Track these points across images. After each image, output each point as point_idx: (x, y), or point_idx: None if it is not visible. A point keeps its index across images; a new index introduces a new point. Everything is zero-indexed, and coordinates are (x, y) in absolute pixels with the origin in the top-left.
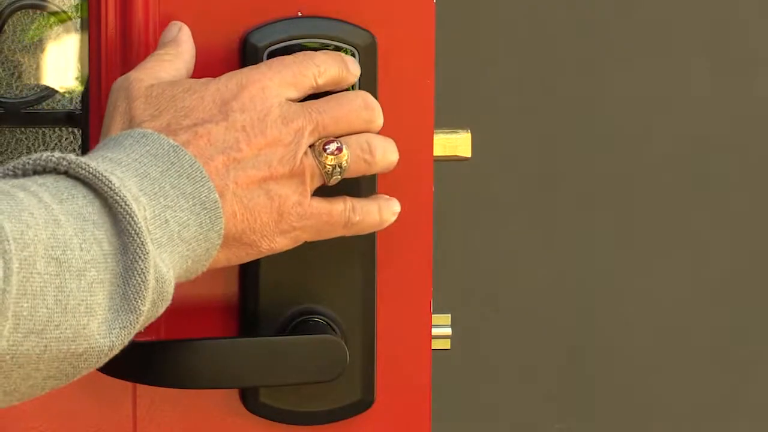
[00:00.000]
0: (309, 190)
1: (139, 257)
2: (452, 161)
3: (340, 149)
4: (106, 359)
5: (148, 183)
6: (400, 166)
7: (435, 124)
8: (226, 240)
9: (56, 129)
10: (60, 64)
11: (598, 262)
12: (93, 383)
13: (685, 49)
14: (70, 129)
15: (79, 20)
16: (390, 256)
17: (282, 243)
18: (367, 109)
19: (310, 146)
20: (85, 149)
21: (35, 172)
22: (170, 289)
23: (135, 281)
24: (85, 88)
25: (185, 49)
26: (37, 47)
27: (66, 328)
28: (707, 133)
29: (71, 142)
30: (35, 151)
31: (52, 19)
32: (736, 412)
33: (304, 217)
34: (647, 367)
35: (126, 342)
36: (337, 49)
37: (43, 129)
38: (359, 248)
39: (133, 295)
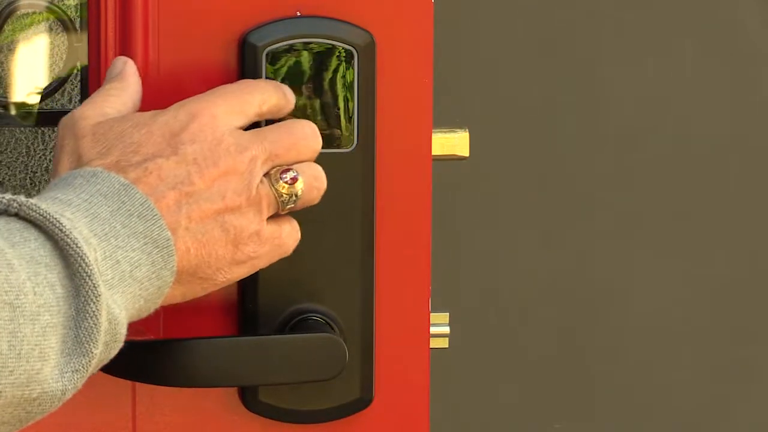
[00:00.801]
0: (264, 218)
1: (91, 299)
2: (451, 160)
3: (295, 179)
4: (59, 404)
5: (98, 224)
6: (399, 165)
7: (433, 124)
8: (180, 276)
9: (56, 129)
10: (59, 64)
11: (598, 262)
12: (93, 383)
13: (685, 50)
14: None
15: (79, 20)
16: (388, 254)
17: (238, 273)
18: (314, 137)
19: (264, 174)
20: None
21: None
22: (123, 330)
23: (87, 324)
24: (84, 88)
25: (131, 82)
26: (36, 47)
27: (20, 374)
28: (707, 133)
29: None
30: (35, 151)
31: (53, 18)
32: (736, 412)
33: (260, 245)
34: (647, 367)
35: (79, 385)
36: (335, 48)
37: (43, 129)
38: (358, 247)
39: (86, 338)
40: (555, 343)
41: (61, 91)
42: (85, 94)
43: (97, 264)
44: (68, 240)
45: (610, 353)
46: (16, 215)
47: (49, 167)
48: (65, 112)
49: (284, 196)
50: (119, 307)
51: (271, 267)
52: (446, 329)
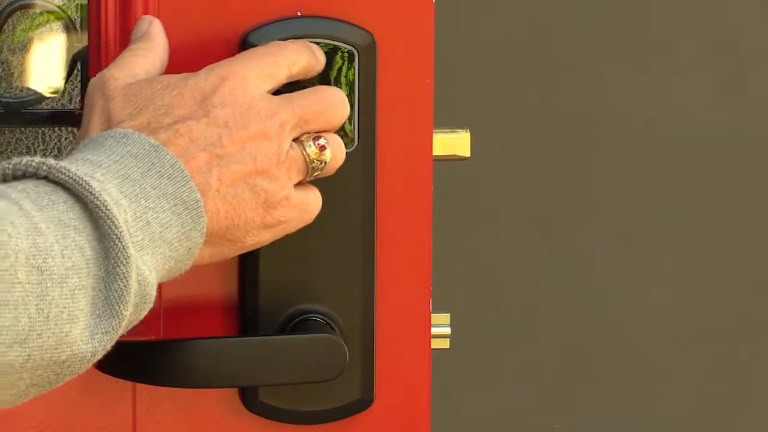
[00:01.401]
0: (293, 183)
1: (121, 261)
2: (451, 161)
3: (325, 147)
4: (89, 365)
5: (128, 185)
6: (400, 165)
7: (434, 124)
8: (210, 237)
9: (56, 129)
10: (60, 64)
11: (598, 262)
12: (93, 383)
13: (686, 50)
14: (70, 129)
15: (79, 20)
16: (389, 255)
17: (266, 237)
18: (343, 105)
19: (293, 140)
20: None
21: (15, 177)
22: (153, 292)
23: (117, 286)
24: (85, 88)
25: (158, 42)
26: (37, 47)
27: (48, 337)
28: (707, 133)
29: (71, 141)
30: (35, 151)
31: (53, 18)
32: (736, 412)
33: (289, 210)
34: (647, 367)
35: (108, 347)
36: (336, 48)
37: (43, 129)
38: (359, 247)
39: (116, 299)
40: (555, 343)
41: (61, 91)
42: (85, 94)
43: (127, 225)
44: (97, 202)
45: (611, 353)
46: (45, 178)
47: None
48: (65, 112)
49: (315, 162)
50: (149, 268)
51: (272, 267)
52: (447, 330)
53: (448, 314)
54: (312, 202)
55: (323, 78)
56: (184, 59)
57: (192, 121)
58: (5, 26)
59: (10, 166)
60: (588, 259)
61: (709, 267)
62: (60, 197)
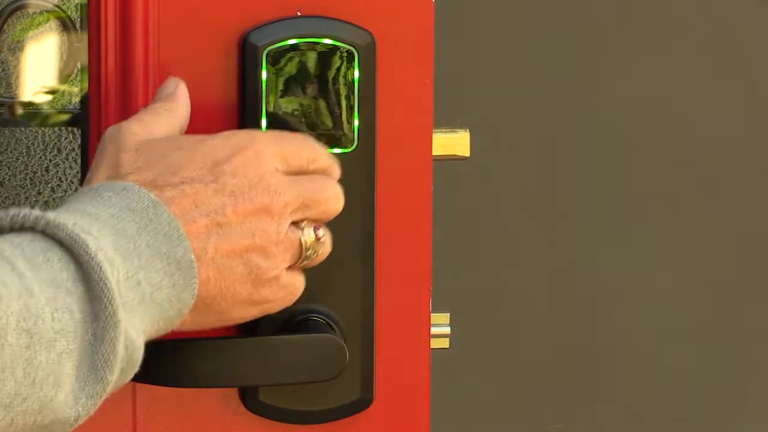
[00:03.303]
0: (286, 265)
1: (110, 326)
2: (451, 161)
3: (320, 238)
4: (71, 429)
5: (123, 241)
6: (400, 165)
7: (434, 124)
8: (196, 304)
9: (56, 129)
10: (59, 64)
11: (598, 262)
12: None
13: (685, 49)
14: (70, 129)
15: (79, 20)
16: (389, 255)
17: (251, 313)
18: (340, 200)
19: (292, 223)
20: (84, 149)
21: (12, 228)
22: (139, 356)
23: (104, 350)
24: (85, 88)
25: (181, 104)
26: (36, 47)
27: (33, 401)
28: (707, 134)
29: (71, 141)
30: (35, 151)
31: (52, 18)
32: (736, 412)
33: (277, 290)
34: (647, 367)
35: (92, 411)
36: (336, 48)
37: (43, 129)
38: (358, 247)
39: (102, 364)
40: (555, 343)
41: (61, 91)
42: (85, 94)
43: (119, 286)
44: (92, 263)
45: (610, 353)
46: (42, 232)
47: (49, 167)
48: (65, 112)
49: (309, 249)
50: (137, 331)
51: None
52: (447, 329)
53: (448, 314)
54: (298, 286)
55: (322, 78)
56: (184, 59)
57: (200, 185)
58: (5, 26)
59: (8, 218)
60: (588, 259)
61: (709, 267)
62: (55, 255)
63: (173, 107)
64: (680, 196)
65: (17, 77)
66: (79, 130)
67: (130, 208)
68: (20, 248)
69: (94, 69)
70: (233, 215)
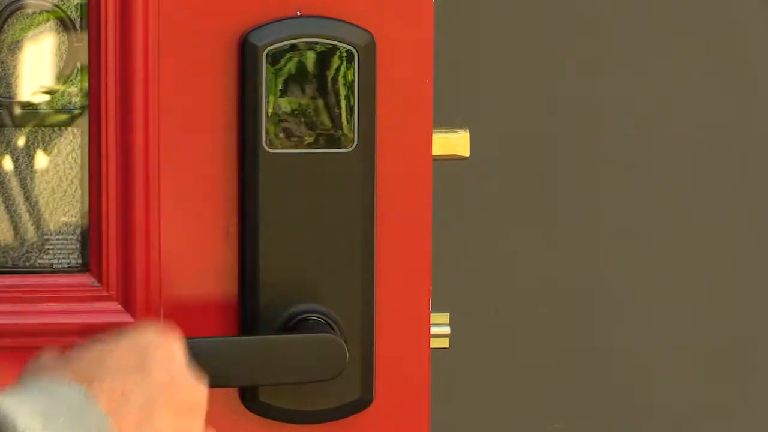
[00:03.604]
0: None
1: None
2: (451, 160)
3: None
4: None
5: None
6: (400, 165)
7: (434, 124)
8: None
9: (56, 129)
10: (59, 64)
11: (598, 262)
12: None
13: (685, 49)
14: (69, 128)
15: (79, 20)
16: (389, 254)
17: None
18: None
19: None
20: (84, 149)
21: None
22: None
23: None
24: (84, 88)
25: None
26: (37, 47)
27: None
28: (707, 134)
29: (71, 141)
30: (34, 151)
31: (53, 18)
32: (736, 412)
33: None
34: (647, 367)
35: None
36: (335, 48)
37: (43, 129)
38: (358, 247)
39: None
40: (555, 343)
41: (60, 91)
42: (85, 93)
43: None
44: None
45: (611, 353)
46: None
47: (49, 167)
48: (65, 112)
49: None
50: None
51: (272, 268)
52: (447, 329)
53: (448, 314)
54: None
55: (322, 78)
56: (184, 59)
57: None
58: (4, 26)
59: None
60: (588, 259)
61: (709, 267)
62: None
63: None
64: (680, 195)
65: (17, 77)
66: (79, 130)
67: (68, 408)
68: None
69: (94, 69)
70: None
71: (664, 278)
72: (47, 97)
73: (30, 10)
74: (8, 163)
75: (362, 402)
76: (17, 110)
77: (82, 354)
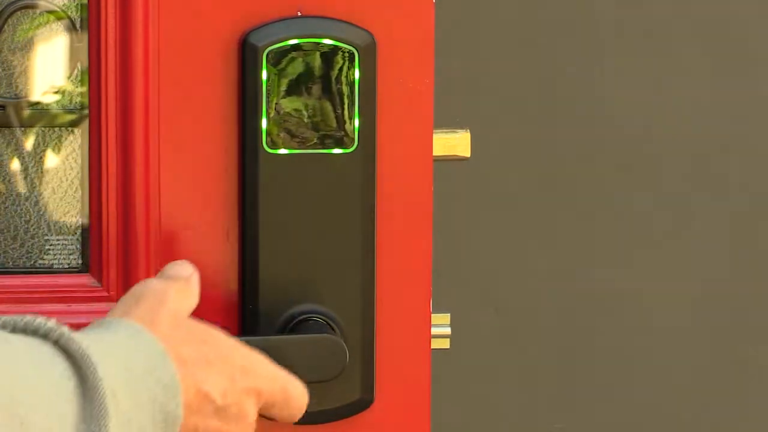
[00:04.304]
0: None
1: None
2: (451, 161)
3: None
4: None
5: (131, 378)
6: (400, 165)
7: (434, 124)
8: None
9: (56, 129)
10: (60, 64)
11: (598, 262)
12: None
13: (685, 49)
14: (70, 129)
15: (79, 20)
16: (389, 255)
17: None
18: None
19: None
20: (84, 149)
21: (25, 333)
22: None
23: None
24: (85, 88)
25: (197, 292)
26: (37, 47)
27: None
28: (707, 134)
29: (71, 141)
30: (35, 151)
31: (53, 19)
32: (736, 412)
33: None
34: (647, 367)
35: None
36: (336, 48)
37: (43, 129)
38: (359, 248)
39: None
40: (555, 343)
41: (61, 91)
42: (85, 93)
43: (116, 416)
44: (98, 386)
45: (611, 353)
46: (56, 342)
47: (49, 167)
48: (66, 112)
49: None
50: None
51: (272, 269)
52: (447, 330)
53: (448, 314)
54: None
55: (322, 78)
56: (185, 59)
57: (216, 369)
58: (6, 26)
59: (22, 322)
60: (588, 259)
61: (709, 267)
62: (61, 364)
63: (194, 293)
64: (680, 195)
65: (18, 77)
66: (79, 130)
67: (142, 351)
68: (29, 347)
69: (94, 69)
70: (226, 427)
71: (664, 278)
72: (48, 98)
73: (30, 10)
74: (9, 164)
75: (363, 402)
76: (17, 110)
77: (189, 342)
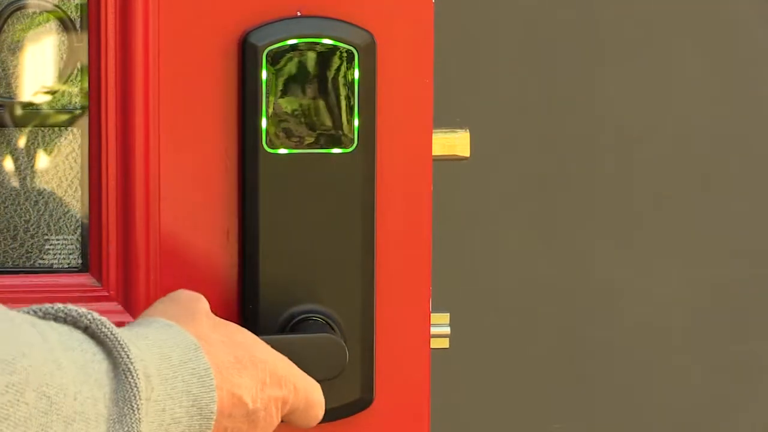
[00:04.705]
0: None
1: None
2: (451, 161)
3: None
4: None
5: (166, 365)
6: (400, 165)
7: (434, 124)
8: None
9: (56, 129)
10: (59, 64)
11: (598, 262)
12: None
13: (685, 49)
14: (69, 128)
15: (79, 20)
16: (389, 255)
17: None
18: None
19: None
20: (84, 148)
21: (55, 320)
22: None
23: None
24: (84, 88)
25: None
26: (37, 47)
27: None
28: (708, 134)
29: (71, 141)
30: (34, 151)
31: (53, 18)
32: (736, 411)
33: None
34: (647, 367)
35: None
36: (335, 48)
37: (43, 129)
38: (358, 247)
39: None
40: (555, 343)
41: (61, 91)
42: (85, 93)
43: (148, 403)
44: (130, 368)
45: (610, 353)
46: (85, 329)
47: (49, 167)
48: (66, 112)
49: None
50: None
51: (272, 268)
52: (447, 329)
53: (448, 314)
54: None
55: (322, 78)
56: (185, 59)
57: (258, 383)
58: (5, 26)
59: (53, 308)
60: (588, 259)
61: (709, 267)
62: (91, 348)
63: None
64: (680, 195)
65: (17, 77)
66: (79, 130)
67: (175, 342)
68: (57, 332)
69: (94, 69)
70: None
71: (664, 278)
72: (47, 97)
73: (30, 10)
74: (8, 164)
75: (362, 402)
76: (17, 110)
77: (227, 345)
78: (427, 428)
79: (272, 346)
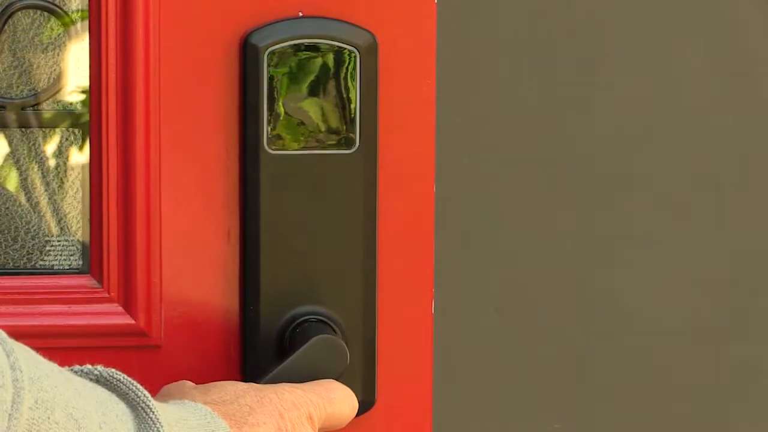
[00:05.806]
0: None
1: None
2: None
3: None
4: None
5: (187, 427)
6: (402, 166)
7: (435, 124)
8: None
9: (56, 129)
10: (60, 64)
11: (599, 262)
12: None
13: (685, 49)
14: (70, 129)
15: (80, 20)
16: (391, 255)
17: None
18: None
19: None
20: (85, 149)
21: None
22: None
23: None
24: (85, 89)
25: None
26: (37, 47)
27: None
28: (708, 134)
29: (71, 142)
30: (35, 152)
31: (53, 19)
32: (736, 413)
33: None
34: (647, 367)
35: None
36: (337, 49)
37: (43, 129)
38: (360, 248)
39: None
40: (555, 343)
41: (61, 91)
42: (86, 93)
43: None
44: (152, 416)
45: (611, 353)
46: (97, 379)
47: (49, 167)
48: (65, 112)
49: None
50: None
51: (273, 269)
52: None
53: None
54: None
55: (323, 78)
56: (185, 60)
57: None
58: (6, 26)
59: (79, 371)
60: (588, 259)
61: (709, 267)
62: (114, 399)
63: None
64: (681, 195)
65: (18, 78)
66: (79, 130)
67: (190, 411)
68: (82, 382)
69: (94, 69)
70: None
71: (664, 278)
72: (48, 98)
73: (31, 11)
74: (8, 165)
75: (365, 404)
76: (17, 111)
77: (231, 401)
78: (429, 429)
79: (276, 380)
